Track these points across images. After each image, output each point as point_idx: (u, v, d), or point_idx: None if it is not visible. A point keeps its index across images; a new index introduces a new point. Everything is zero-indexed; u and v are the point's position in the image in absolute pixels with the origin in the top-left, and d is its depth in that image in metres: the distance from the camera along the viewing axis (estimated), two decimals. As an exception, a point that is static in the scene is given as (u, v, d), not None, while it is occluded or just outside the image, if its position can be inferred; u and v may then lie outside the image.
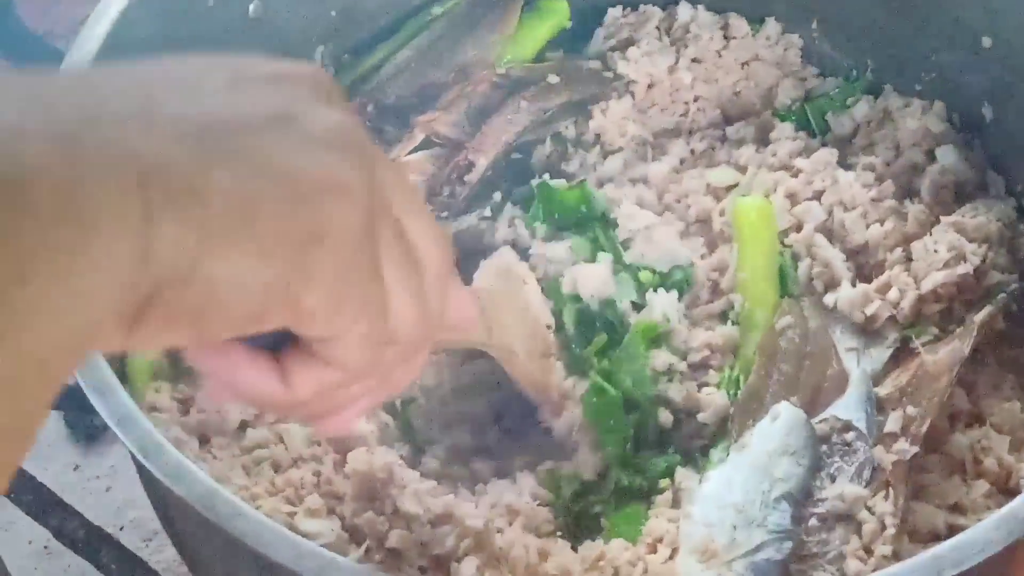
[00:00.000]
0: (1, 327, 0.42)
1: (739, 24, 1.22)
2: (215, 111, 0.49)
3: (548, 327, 1.01)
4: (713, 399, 1.00)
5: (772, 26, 1.22)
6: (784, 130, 1.17)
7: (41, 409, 0.45)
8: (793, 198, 1.11)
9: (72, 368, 0.46)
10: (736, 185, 1.13)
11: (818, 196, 1.10)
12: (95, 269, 0.44)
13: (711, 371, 1.03)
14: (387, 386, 0.64)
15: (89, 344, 0.46)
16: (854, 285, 1.05)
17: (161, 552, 1.24)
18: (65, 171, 0.43)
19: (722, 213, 1.10)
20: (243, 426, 0.96)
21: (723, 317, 1.06)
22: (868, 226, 1.08)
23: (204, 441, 0.94)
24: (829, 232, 1.08)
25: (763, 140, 1.18)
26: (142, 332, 0.48)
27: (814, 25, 1.22)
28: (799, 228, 1.09)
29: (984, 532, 0.76)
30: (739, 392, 1.00)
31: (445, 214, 1.09)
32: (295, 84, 0.53)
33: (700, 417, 0.99)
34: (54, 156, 0.43)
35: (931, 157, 1.14)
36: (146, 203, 0.45)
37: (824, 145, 1.16)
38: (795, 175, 1.12)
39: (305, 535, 0.86)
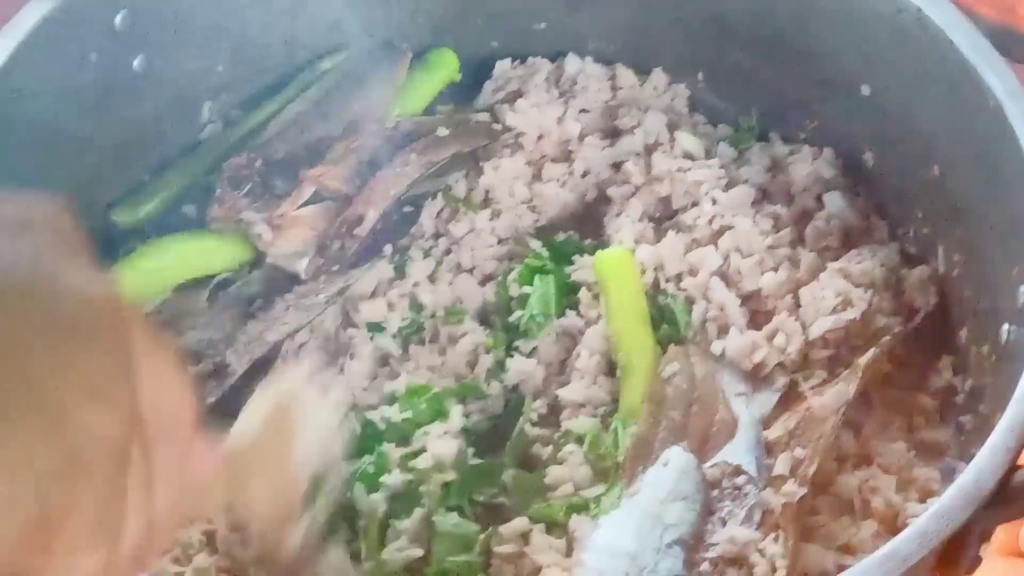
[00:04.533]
0: None
1: (626, 75, 1.23)
2: None
3: (302, 486, 0.83)
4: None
5: (659, 77, 1.23)
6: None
7: None
8: (688, 245, 1.11)
9: None
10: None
11: (714, 241, 1.11)
12: None
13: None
14: None
15: None
16: (747, 329, 1.05)
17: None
18: None
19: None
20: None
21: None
22: (763, 273, 1.09)
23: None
24: (725, 277, 1.09)
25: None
26: None
27: (700, 76, 1.23)
28: (694, 272, 1.09)
29: (867, 570, 0.77)
30: (620, 440, 0.99)
31: (336, 267, 1.09)
32: (36, 234, 0.47)
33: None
34: None
35: (820, 203, 1.15)
36: None
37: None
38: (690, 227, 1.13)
39: (192, 595, 0.85)
